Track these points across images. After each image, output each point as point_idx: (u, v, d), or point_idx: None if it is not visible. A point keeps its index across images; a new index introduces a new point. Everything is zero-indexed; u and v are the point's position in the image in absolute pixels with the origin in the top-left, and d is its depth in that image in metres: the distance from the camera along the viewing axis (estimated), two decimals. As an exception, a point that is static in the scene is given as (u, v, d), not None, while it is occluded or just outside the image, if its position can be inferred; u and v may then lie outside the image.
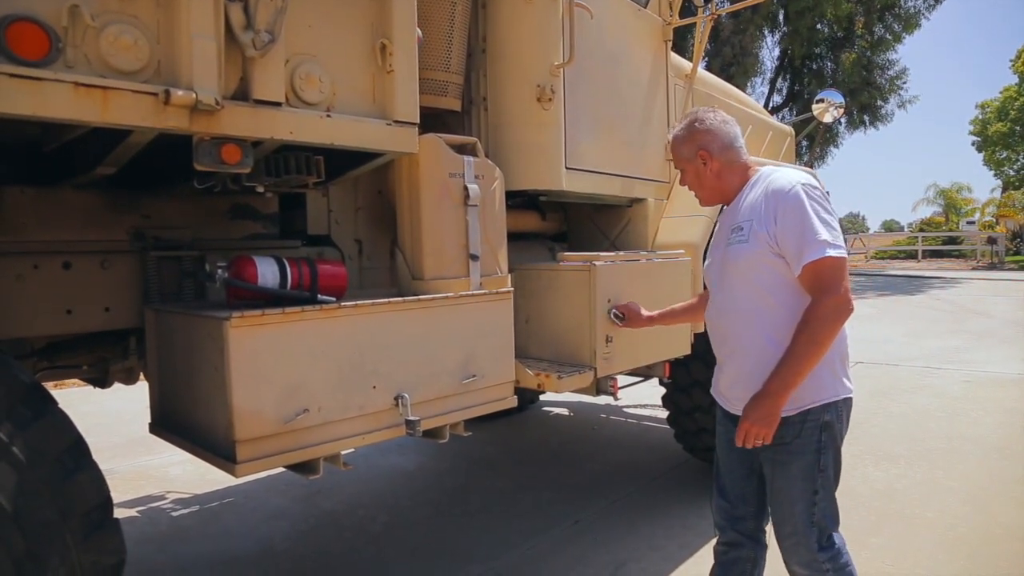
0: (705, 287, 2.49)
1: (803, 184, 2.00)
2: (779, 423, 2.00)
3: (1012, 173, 36.62)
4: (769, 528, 2.30)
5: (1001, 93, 35.43)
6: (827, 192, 2.11)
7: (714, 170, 2.19)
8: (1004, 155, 35.93)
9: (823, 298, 1.91)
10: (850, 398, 2.12)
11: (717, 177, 2.20)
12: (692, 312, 2.81)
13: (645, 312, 2.93)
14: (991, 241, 30.14)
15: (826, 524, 2.10)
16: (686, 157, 2.23)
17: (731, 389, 2.21)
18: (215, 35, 1.71)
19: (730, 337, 2.19)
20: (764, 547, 2.35)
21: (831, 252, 1.91)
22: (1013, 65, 34.06)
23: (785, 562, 2.20)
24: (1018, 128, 34.04)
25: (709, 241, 3.58)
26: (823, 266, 1.91)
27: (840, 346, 2.06)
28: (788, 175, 2.07)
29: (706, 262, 2.39)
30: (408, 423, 2.24)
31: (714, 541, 2.43)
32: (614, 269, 3.03)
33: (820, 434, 2.05)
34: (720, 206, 2.37)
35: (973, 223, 39.29)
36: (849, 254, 2.31)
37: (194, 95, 1.64)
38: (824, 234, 1.92)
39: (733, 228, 2.14)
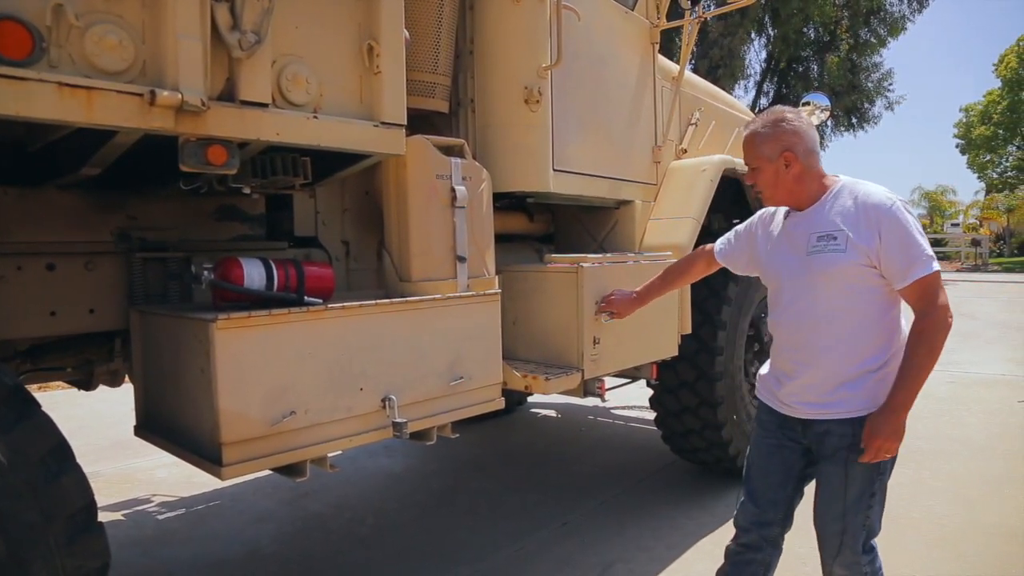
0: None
1: (900, 200, 2.03)
2: (855, 422, 2.03)
3: (995, 176, 37.04)
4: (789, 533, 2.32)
5: (984, 97, 35.83)
6: None
7: (795, 173, 2.11)
8: (987, 158, 36.33)
9: (933, 311, 1.95)
10: None
11: (796, 181, 2.12)
12: (672, 281, 2.88)
13: (632, 294, 2.97)
14: (975, 243, 30.53)
15: (875, 528, 2.14)
16: (766, 156, 2.13)
17: (798, 394, 2.16)
18: (201, 35, 1.70)
19: (809, 344, 2.13)
20: (780, 551, 2.35)
21: (936, 266, 1.96)
22: (996, 69, 34.43)
23: (824, 562, 2.20)
24: (1001, 132, 34.42)
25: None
26: (931, 280, 1.95)
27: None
28: (879, 189, 2.07)
29: (768, 263, 2.30)
30: (395, 425, 2.23)
31: (705, 540, 2.43)
32: (601, 271, 3.04)
33: None
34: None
35: (957, 225, 39.79)
36: None
37: (180, 96, 1.63)
38: (928, 249, 1.97)
39: (820, 236, 2.08)
